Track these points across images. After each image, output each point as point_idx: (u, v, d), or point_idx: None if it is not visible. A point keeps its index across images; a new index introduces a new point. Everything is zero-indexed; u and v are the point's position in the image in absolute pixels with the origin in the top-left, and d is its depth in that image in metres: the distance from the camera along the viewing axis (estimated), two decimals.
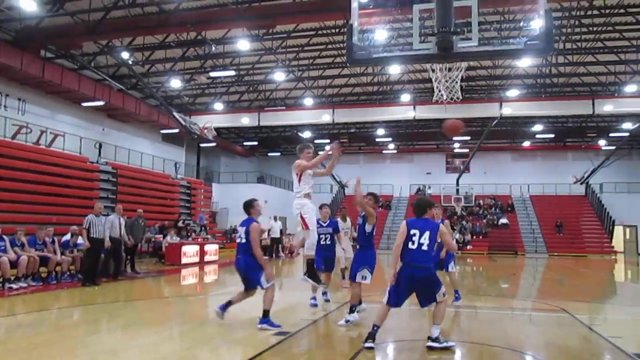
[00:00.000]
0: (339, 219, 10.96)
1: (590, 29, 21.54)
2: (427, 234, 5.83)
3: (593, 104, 26.36)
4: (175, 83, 27.18)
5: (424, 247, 5.79)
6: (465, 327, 7.85)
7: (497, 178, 40.14)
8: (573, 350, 6.16)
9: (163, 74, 26.49)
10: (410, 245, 5.80)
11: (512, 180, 39.64)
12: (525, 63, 24.66)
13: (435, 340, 5.78)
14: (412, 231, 5.84)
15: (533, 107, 28.45)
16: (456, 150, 41.99)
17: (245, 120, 31.07)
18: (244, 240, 6.85)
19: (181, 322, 7.78)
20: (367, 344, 5.75)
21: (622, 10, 19.85)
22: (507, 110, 27.24)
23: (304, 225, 7.24)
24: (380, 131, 37.15)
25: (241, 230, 6.94)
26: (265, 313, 6.74)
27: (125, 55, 23.16)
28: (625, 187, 37.90)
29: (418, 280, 5.80)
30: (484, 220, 36.11)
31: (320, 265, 8.28)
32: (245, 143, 41.06)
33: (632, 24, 20.70)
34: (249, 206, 7.17)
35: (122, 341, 6.38)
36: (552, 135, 37.30)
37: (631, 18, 20.33)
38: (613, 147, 37.03)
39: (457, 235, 33.22)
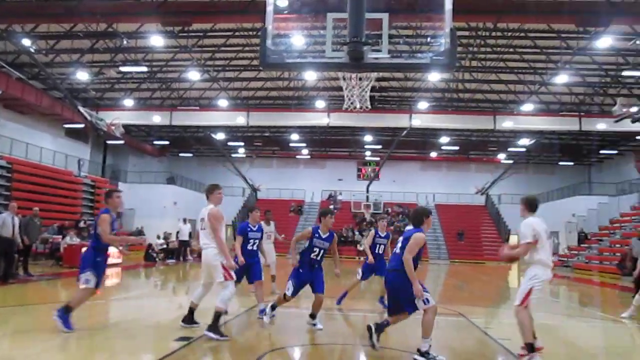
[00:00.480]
0: (262, 223, 10.73)
1: (494, 49, 22.90)
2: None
3: (494, 120, 28.05)
4: (82, 76, 25.79)
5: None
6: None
7: (405, 186, 41.56)
8: (467, 353, 6.49)
9: (69, 65, 25.03)
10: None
11: (419, 189, 41.19)
12: (434, 77, 25.78)
13: (424, 354, 5.60)
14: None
15: (440, 120, 29.77)
16: (367, 158, 43.08)
17: (157, 118, 30.15)
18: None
19: (77, 329, 7.36)
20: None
21: (522, 34, 21.28)
22: (417, 121, 28.34)
23: (227, 276, 6.55)
24: (295, 136, 37.33)
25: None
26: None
27: (26, 42, 21.66)
28: (519, 199, 40.58)
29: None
30: (392, 227, 37.21)
31: (239, 275, 7.68)
32: (155, 142, 39.74)
33: (531, 47, 22.25)
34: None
35: (8, 349, 5.94)
36: (457, 148, 39.21)
37: (530, 42, 21.84)
38: (511, 161, 39.68)
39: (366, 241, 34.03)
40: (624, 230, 26.79)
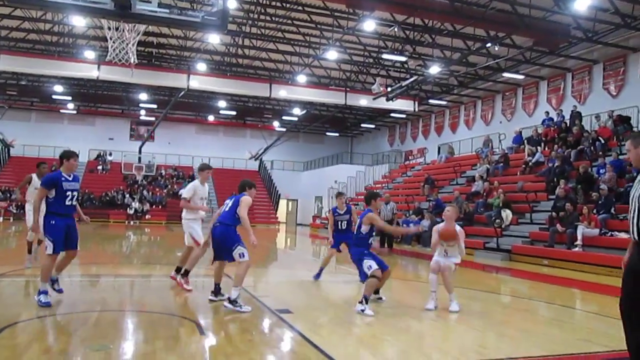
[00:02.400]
0: (33, 175, 9.12)
1: (273, 19, 23.45)
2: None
3: (270, 88, 28.90)
4: None
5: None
6: (137, 296, 7.85)
7: (181, 149, 40.75)
8: (223, 311, 6.58)
9: None
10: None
11: (195, 152, 40.74)
12: (214, 40, 25.46)
13: (232, 302, 6.34)
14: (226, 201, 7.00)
15: (218, 84, 29.60)
16: (142, 118, 40.93)
17: None
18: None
19: None
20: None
21: (300, 8, 22.17)
22: (194, 83, 27.73)
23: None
24: (59, 88, 33.49)
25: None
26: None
27: None
28: (291, 165, 43.06)
29: (214, 236, 6.65)
30: (165, 190, 36.31)
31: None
32: None
33: (307, 21, 23.33)
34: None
35: None
36: (234, 113, 39.65)
37: (307, 17, 22.88)
38: (284, 129, 41.64)
39: (137, 205, 32.67)
40: None
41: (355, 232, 7.33)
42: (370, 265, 6.78)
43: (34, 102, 38.36)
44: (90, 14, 7.00)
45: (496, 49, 21.69)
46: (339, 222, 9.50)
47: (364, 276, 6.81)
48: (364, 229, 6.99)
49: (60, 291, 6.74)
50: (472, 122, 30.44)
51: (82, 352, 4.49)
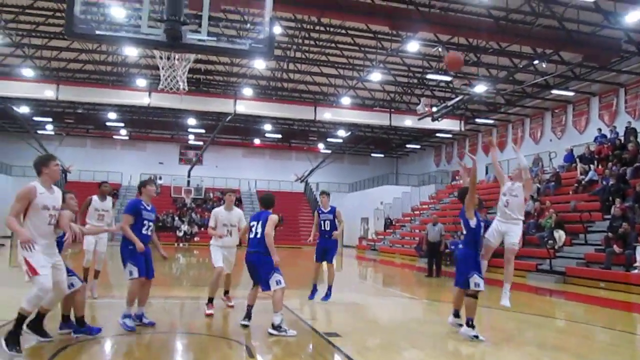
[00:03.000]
0: (95, 198, 8.98)
1: (317, 42, 23.81)
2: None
3: (315, 111, 29.21)
4: None
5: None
6: (187, 318, 7.97)
7: (227, 172, 41.49)
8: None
9: None
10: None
11: (241, 175, 41.45)
12: (260, 65, 26.01)
13: (277, 328, 6.29)
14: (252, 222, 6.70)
15: (264, 108, 30.19)
16: (190, 142, 42.08)
17: None
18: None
19: None
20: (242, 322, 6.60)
21: (343, 31, 22.44)
22: (241, 107, 28.35)
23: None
24: (112, 115, 34.93)
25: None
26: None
27: None
28: (336, 187, 43.13)
29: (249, 263, 6.60)
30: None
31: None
32: None
33: (350, 44, 23.56)
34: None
35: None
36: (279, 136, 40.18)
37: (350, 39, 23.12)
38: (329, 151, 41.86)
39: (186, 227, 33.37)
40: (422, 217, 29.91)
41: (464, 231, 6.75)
42: (477, 282, 6.27)
43: (89, 130, 40.02)
44: (144, 45, 7.31)
45: (544, 65, 21.23)
46: (322, 222, 9.45)
47: (463, 284, 6.41)
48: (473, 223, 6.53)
49: (151, 324, 6.47)
50: (521, 140, 29.76)
51: None
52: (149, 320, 6.45)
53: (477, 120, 30.69)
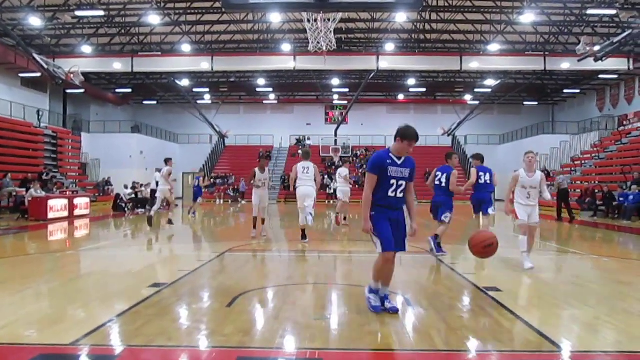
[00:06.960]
0: (256, 170, 11.42)
1: None
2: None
3: (461, 61, 28.01)
4: (35, 21, 24.46)
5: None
6: (341, 271, 8.30)
7: (373, 129, 41.67)
8: (434, 287, 6.74)
9: (19, 10, 23.71)
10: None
11: (386, 132, 41.24)
12: (401, 18, 25.45)
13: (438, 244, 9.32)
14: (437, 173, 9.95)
15: (407, 62, 29.59)
16: (335, 102, 42.83)
17: (118, 65, 29.15)
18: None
19: (49, 279, 7.34)
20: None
21: None
22: (384, 63, 28.10)
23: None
24: (261, 81, 36.76)
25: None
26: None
27: None
28: (486, 139, 41.29)
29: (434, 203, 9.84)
30: (360, 170, 37.53)
31: None
32: (117, 90, 38.54)
33: None
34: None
35: None
36: (424, 90, 39.29)
37: None
38: (477, 102, 40.02)
39: (336, 185, 34.36)
40: (584, 167, 27.61)
41: None
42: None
43: (242, 97, 42.58)
44: (294, 9, 7.49)
45: None
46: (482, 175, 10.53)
47: None
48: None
49: (393, 309, 5.17)
50: None
51: (305, 321, 4.89)
52: (391, 306, 5.21)
53: None
